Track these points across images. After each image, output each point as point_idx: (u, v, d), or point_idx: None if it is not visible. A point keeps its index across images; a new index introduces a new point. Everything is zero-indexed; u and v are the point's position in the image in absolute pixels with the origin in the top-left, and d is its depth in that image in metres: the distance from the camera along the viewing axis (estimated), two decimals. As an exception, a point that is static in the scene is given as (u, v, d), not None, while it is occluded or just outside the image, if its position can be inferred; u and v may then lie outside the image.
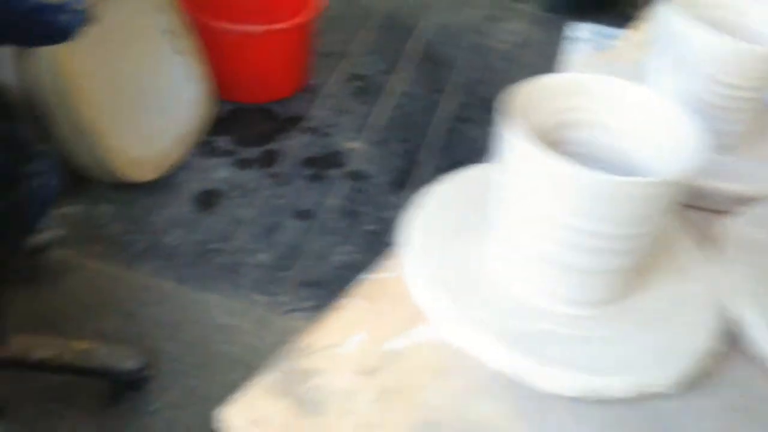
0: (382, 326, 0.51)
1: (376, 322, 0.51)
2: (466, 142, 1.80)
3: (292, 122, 1.81)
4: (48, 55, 1.39)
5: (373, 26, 2.13)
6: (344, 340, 0.50)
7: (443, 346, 0.49)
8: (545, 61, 2.08)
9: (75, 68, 1.42)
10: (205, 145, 1.71)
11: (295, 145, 1.75)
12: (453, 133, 1.82)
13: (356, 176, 1.69)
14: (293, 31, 1.79)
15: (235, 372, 1.30)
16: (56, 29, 0.87)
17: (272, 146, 1.74)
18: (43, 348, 1.21)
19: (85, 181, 1.54)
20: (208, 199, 1.60)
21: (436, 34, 2.13)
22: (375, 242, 1.54)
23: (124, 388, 1.25)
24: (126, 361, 1.25)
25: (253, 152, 1.72)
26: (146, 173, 1.58)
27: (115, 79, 1.55)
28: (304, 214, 1.59)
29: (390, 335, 0.50)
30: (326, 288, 1.45)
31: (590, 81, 0.53)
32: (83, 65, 1.45)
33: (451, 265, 0.52)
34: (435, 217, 0.56)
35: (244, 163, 1.69)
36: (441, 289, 0.51)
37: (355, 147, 1.76)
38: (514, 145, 0.48)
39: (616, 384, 0.47)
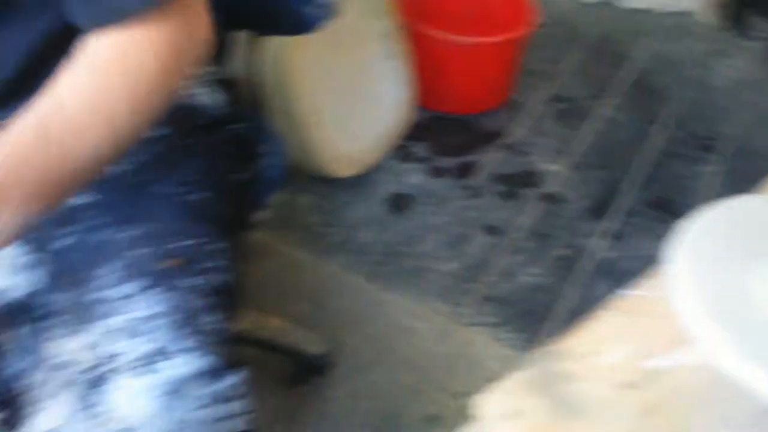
0: (642, 343, 0.52)
1: (636, 338, 0.53)
2: (671, 178, 1.75)
3: (490, 137, 1.84)
4: (273, 46, 1.51)
5: (583, 48, 2.13)
6: (602, 350, 0.52)
7: (710, 372, 0.49)
8: (770, 101, 1.98)
9: (296, 62, 1.54)
10: (402, 150, 1.79)
11: (490, 159, 1.78)
12: (658, 166, 1.78)
13: (551, 199, 1.69)
14: (504, 46, 1.83)
15: (411, 374, 1.34)
16: (301, 20, 0.94)
17: (468, 158, 1.78)
18: (241, 320, 1.32)
19: (290, 170, 1.65)
20: (400, 203, 1.67)
21: (650, 62, 2.08)
22: (565, 268, 1.54)
23: (308, 371, 1.33)
24: (314, 345, 1.33)
25: (448, 162, 1.77)
26: (347, 170, 1.68)
27: (330, 76, 1.66)
28: (493, 230, 1.62)
29: (651, 353, 0.51)
30: (510, 306, 1.46)
31: None
32: (304, 59, 1.56)
33: (727, 293, 0.52)
34: (705, 244, 0.56)
35: (437, 172, 1.75)
36: (715, 315, 0.51)
37: (553, 169, 1.76)
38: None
39: None
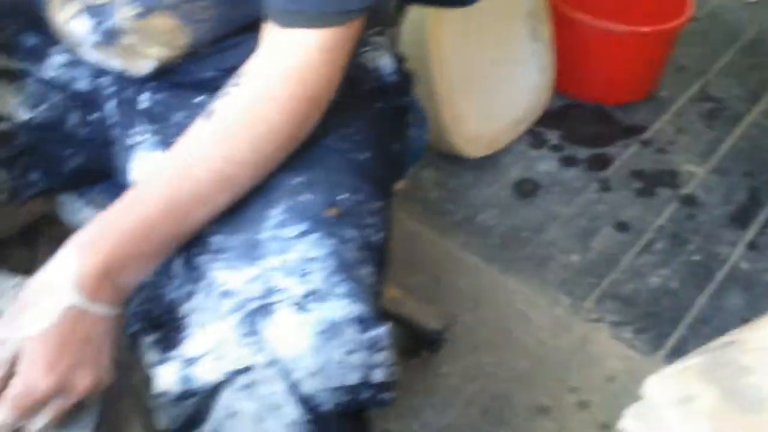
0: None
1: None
2: (819, 194, 1.66)
3: (628, 130, 1.80)
4: (417, 21, 1.52)
5: (737, 47, 2.03)
6: (780, 344, 0.50)
7: None
8: None
9: (438, 36, 1.55)
10: (534, 135, 1.77)
11: (627, 154, 1.74)
12: (808, 180, 1.69)
13: (689, 201, 1.64)
14: (654, 37, 1.77)
15: (524, 361, 1.34)
16: None
17: (602, 150, 1.75)
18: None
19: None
20: (527, 188, 1.66)
21: (810, 68, 1.97)
22: (698, 274, 1.49)
23: (422, 344, 1.34)
24: (430, 319, 1.35)
25: (581, 152, 1.74)
26: (477, 150, 1.67)
27: (470, 53, 1.66)
28: (624, 227, 1.58)
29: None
30: (635, 307, 1.43)
31: None
32: (445, 34, 1.56)
33: None
34: None
35: (569, 161, 1.72)
36: None
37: (693, 171, 1.70)
38: None
39: None
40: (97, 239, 0.64)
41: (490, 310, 1.42)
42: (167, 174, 0.67)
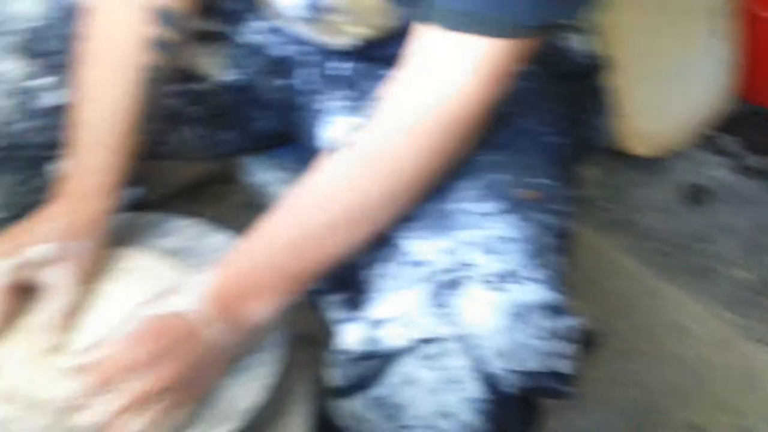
0: None
1: None
2: None
3: (817, 143, 1.68)
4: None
5: None
6: None
7: None
8: None
9: (614, 28, 1.49)
10: (709, 139, 1.69)
11: (813, 168, 1.62)
12: None
13: None
14: None
15: (679, 375, 1.29)
16: None
17: (786, 163, 1.64)
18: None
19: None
20: (696, 195, 1.58)
21: None
22: None
23: (570, 343, 1.32)
24: (582, 318, 1.32)
25: (762, 162, 1.64)
26: (645, 149, 1.61)
27: (647, 47, 1.59)
28: (802, 245, 1.48)
29: None
30: (807, 332, 1.34)
31: None
32: (622, 27, 1.51)
33: None
34: None
35: (747, 171, 1.63)
36: None
37: None
38: None
39: None
40: (228, 261, 0.66)
41: (644, 318, 1.37)
42: (299, 206, 0.66)
